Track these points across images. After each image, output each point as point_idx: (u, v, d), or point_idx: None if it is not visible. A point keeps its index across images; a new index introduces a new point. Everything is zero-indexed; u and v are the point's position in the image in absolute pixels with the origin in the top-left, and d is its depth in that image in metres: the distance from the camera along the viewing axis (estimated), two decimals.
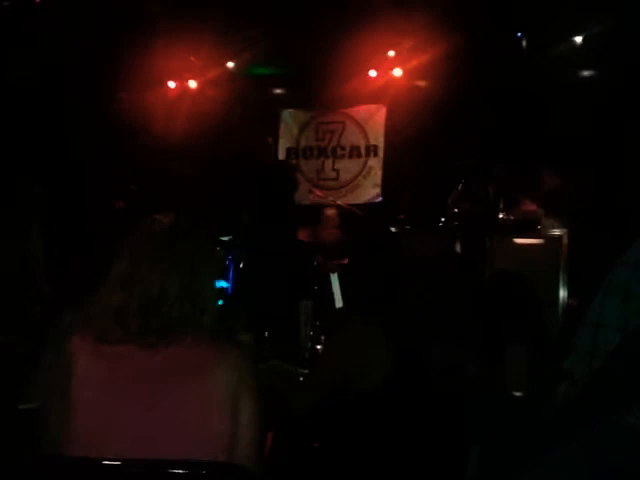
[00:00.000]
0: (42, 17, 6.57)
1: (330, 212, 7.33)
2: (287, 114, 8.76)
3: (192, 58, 7.99)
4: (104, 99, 7.64)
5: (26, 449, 1.92)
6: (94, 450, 1.60)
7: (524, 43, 7.18)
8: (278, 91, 8.80)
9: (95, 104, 7.68)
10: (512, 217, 5.90)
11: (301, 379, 2.91)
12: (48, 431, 1.71)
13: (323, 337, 3.27)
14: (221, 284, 7.14)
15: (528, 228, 5.74)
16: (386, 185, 8.27)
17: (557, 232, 5.57)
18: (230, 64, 8.11)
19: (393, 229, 6.00)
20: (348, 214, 7.22)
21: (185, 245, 1.77)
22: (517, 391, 2.34)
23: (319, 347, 3.25)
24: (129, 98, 7.72)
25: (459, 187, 6.10)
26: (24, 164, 6.92)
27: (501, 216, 5.93)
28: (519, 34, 7.17)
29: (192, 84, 8.36)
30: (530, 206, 6.23)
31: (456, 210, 6.03)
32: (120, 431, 1.63)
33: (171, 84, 8.39)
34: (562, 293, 5.34)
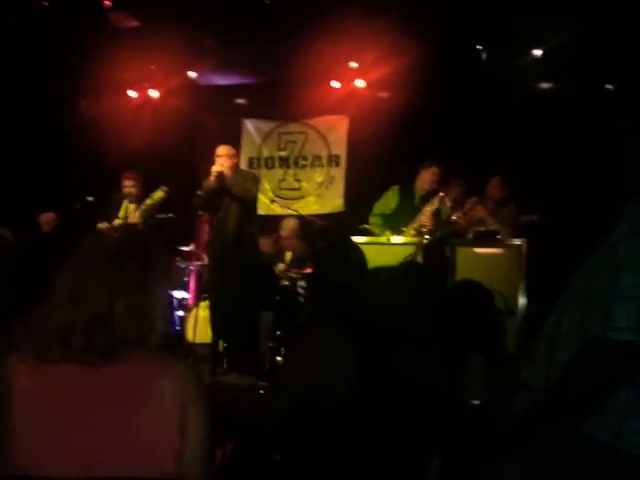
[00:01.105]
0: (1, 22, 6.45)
1: (291, 222, 7.31)
2: (250, 124, 8.75)
3: (152, 67, 7.93)
4: (64, 106, 7.53)
5: None
6: (37, 470, 1.55)
7: (484, 55, 7.26)
8: (240, 101, 8.78)
9: (54, 111, 7.57)
10: (462, 220, 5.96)
11: (261, 392, 2.87)
12: None
13: (283, 349, 3.24)
14: (182, 294, 7.08)
15: (488, 238, 5.79)
16: (349, 195, 8.29)
17: (516, 242, 5.63)
18: (191, 73, 8.07)
19: (356, 239, 6.00)
20: (309, 224, 7.21)
21: (134, 261, 1.71)
22: (475, 400, 2.34)
23: (279, 359, 3.22)
24: (89, 106, 7.62)
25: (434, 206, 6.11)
26: None
27: (454, 217, 5.99)
28: (480, 47, 7.25)
29: (153, 93, 8.30)
30: (480, 212, 6.30)
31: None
32: (63, 452, 1.58)
33: (132, 93, 8.31)
34: (521, 302, 5.40)
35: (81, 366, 1.62)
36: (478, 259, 5.54)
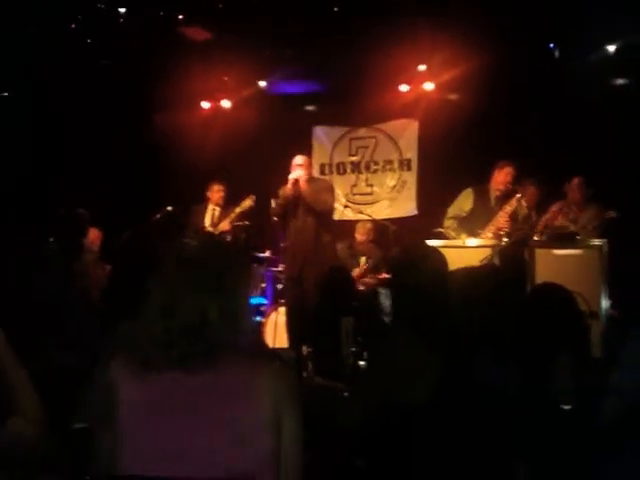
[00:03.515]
0: (82, 41, 6.71)
1: (366, 227, 7.34)
2: (320, 130, 8.82)
3: (225, 78, 8.09)
4: (141, 120, 7.78)
5: (80, 468, 1.95)
6: (145, 471, 1.63)
7: (557, 54, 7.13)
8: (310, 108, 8.86)
9: (132, 125, 7.83)
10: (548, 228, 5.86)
11: (345, 395, 2.90)
12: (100, 451, 1.74)
13: (365, 353, 3.26)
14: (259, 300, 7.20)
15: (567, 238, 5.68)
16: (421, 199, 8.26)
17: (597, 242, 5.50)
18: (262, 83, 8.20)
19: (431, 242, 5.97)
20: (383, 228, 7.22)
21: (216, 268, 1.77)
22: (565, 405, 2.31)
23: (362, 363, 3.24)
24: (164, 119, 7.85)
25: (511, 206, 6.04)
26: (67, 183, 7.08)
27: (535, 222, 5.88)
28: (551, 45, 7.13)
29: (225, 104, 8.47)
30: (561, 221, 6.19)
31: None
32: (169, 454, 1.65)
33: (204, 104, 8.50)
34: (604, 304, 5.27)
35: (183, 374, 1.69)
36: (557, 261, 5.43)
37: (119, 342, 2.64)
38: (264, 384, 1.69)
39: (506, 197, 6.09)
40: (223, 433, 1.65)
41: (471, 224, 6.11)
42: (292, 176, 5.97)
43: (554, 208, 6.47)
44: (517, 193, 6.05)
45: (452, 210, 6.31)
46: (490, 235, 5.95)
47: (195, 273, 1.75)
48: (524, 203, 6.25)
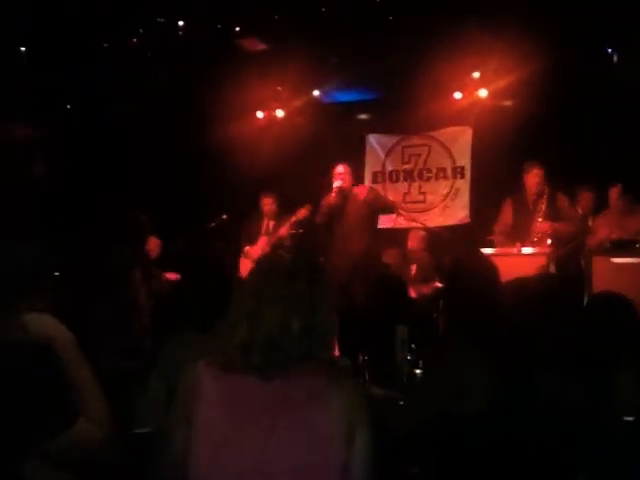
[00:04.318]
0: (144, 56, 6.90)
1: (419, 235, 7.32)
2: (372, 139, 8.83)
3: (279, 88, 8.18)
4: (198, 130, 7.92)
5: (144, 473, 1.98)
6: (216, 474, 1.67)
7: (615, 58, 7.00)
8: (363, 116, 8.90)
9: (189, 135, 7.98)
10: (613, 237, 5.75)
11: (401, 403, 2.90)
12: (172, 453, 1.78)
13: (421, 361, 3.25)
14: None
15: (626, 246, 5.57)
16: (475, 206, 8.19)
17: None
18: (316, 92, 8.26)
19: (485, 251, 5.93)
20: (436, 236, 7.19)
21: (305, 281, 1.80)
22: (628, 416, 2.27)
23: (417, 371, 3.23)
24: (221, 129, 7.97)
25: (544, 206, 5.99)
26: (130, 191, 7.27)
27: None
28: (609, 49, 7.00)
29: (279, 113, 8.56)
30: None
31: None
32: (240, 457, 1.69)
33: (259, 114, 8.60)
34: None
35: (259, 378, 1.73)
36: (616, 269, 5.34)
37: (182, 347, 2.70)
38: (337, 396, 1.71)
39: (540, 199, 6.04)
40: (293, 439, 1.68)
41: (517, 235, 6.05)
42: (336, 185, 6.03)
43: (601, 221, 6.37)
44: (545, 190, 5.97)
45: (497, 226, 6.30)
46: (535, 240, 5.89)
47: (282, 285, 1.79)
48: (562, 196, 6.12)
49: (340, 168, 6.20)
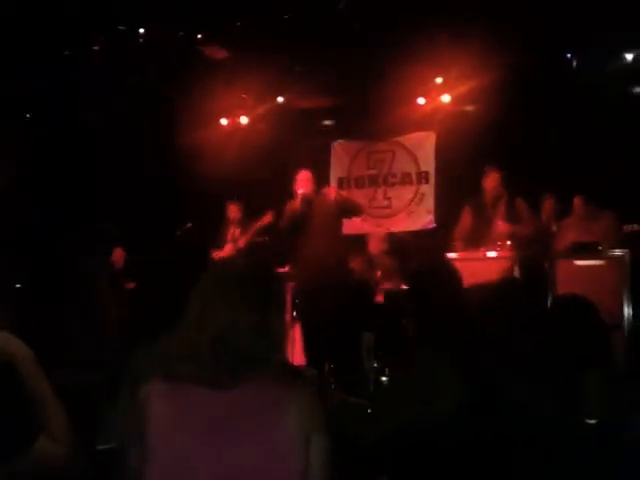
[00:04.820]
0: (105, 61, 6.84)
1: (381, 240, 7.33)
2: (338, 145, 8.85)
3: (244, 95, 8.15)
4: (162, 138, 7.86)
5: None
6: None
7: (574, 63, 7.12)
8: (327, 123, 8.91)
9: (150, 142, 7.92)
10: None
11: (369, 411, 2.90)
12: (127, 470, 1.75)
13: (387, 369, 3.25)
14: None
15: (588, 249, 5.64)
16: (439, 211, 8.25)
17: (619, 252, 5.46)
18: (280, 99, 8.25)
19: (450, 255, 5.97)
20: (401, 241, 7.22)
21: (254, 284, 1.79)
22: (592, 419, 2.29)
23: (384, 379, 3.23)
24: (185, 136, 7.93)
25: (502, 210, 6.08)
26: (88, 200, 7.19)
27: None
28: (569, 55, 7.11)
29: (244, 120, 8.52)
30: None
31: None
32: (195, 475, 1.65)
33: (223, 121, 8.56)
34: (627, 314, 5.23)
35: (210, 390, 1.69)
36: (579, 271, 5.41)
37: (150, 358, 2.66)
38: (292, 410, 1.68)
39: (498, 203, 6.13)
40: (248, 452, 1.65)
41: (478, 238, 6.11)
42: (299, 192, 6.03)
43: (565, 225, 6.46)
44: (504, 195, 6.06)
45: (457, 232, 6.36)
46: (498, 244, 5.96)
47: (231, 285, 1.78)
48: (520, 202, 6.21)
49: (302, 175, 6.19)
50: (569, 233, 6.21)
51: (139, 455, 1.69)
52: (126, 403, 2.70)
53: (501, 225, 6.04)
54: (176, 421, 1.68)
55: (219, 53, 6.95)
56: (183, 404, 1.70)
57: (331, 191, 6.32)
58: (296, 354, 6.24)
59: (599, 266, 5.42)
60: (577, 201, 6.45)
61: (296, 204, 6.04)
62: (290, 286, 7.08)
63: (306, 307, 6.09)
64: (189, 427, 1.68)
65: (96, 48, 6.67)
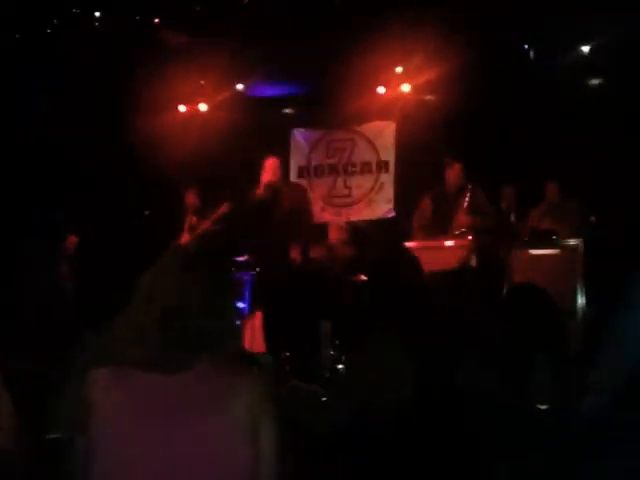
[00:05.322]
0: (57, 43, 6.68)
1: (341, 229, 7.33)
2: (298, 133, 8.80)
3: (202, 82, 8.06)
4: (118, 124, 7.74)
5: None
6: None
7: (531, 55, 7.20)
8: (287, 111, 8.86)
9: (106, 128, 7.79)
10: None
11: (324, 399, 2.90)
12: (72, 463, 1.71)
13: (344, 357, 3.26)
14: (237, 304, 7.16)
15: (543, 238, 5.72)
16: (399, 200, 8.28)
17: (573, 242, 5.55)
18: (239, 86, 8.17)
19: (408, 244, 5.99)
20: (360, 230, 7.22)
21: (206, 267, 1.77)
22: (542, 405, 2.32)
23: (340, 366, 3.24)
24: (142, 122, 7.81)
25: (465, 201, 6.12)
26: (38, 187, 7.04)
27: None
28: (525, 46, 7.19)
29: (202, 107, 8.43)
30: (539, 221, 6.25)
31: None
32: (143, 464, 1.62)
33: (181, 108, 8.45)
34: (580, 302, 5.32)
35: (159, 374, 1.66)
36: (534, 260, 5.48)
37: (99, 342, 2.61)
38: (242, 397, 1.66)
39: (461, 194, 6.16)
40: (198, 437, 1.63)
41: (438, 228, 6.15)
42: (265, 180, 5.98)
43: (535, 213, 6.53)
44: (468, 186, 6.11)
45: (416, 220, 6.38)
46: (457, 234, 6.01)
47: (183, 269, 1.75)
48: (479, 193, 6.28)
49: (269, 162, 6.14)
50: (535, 219, 6.31)
51: (85, 443, 1.65)
52: (74, 389, 2.65)
53: (462, 218, 6.07)
54: (123, 407, 1.64)
55: (176, 38, 6.85)
56: (130, 389, 1.66)
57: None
58: (257, 342, 6.22)
59: (554, 255, 5.51)
60: (551, 187, 6.54)
61: (261, 192, 6.00)
62: (250, 275, 7.07)
63: (265, 295, 6.07)
64: (137, 413, 1.64)
65: (49, 31, 6.52)
